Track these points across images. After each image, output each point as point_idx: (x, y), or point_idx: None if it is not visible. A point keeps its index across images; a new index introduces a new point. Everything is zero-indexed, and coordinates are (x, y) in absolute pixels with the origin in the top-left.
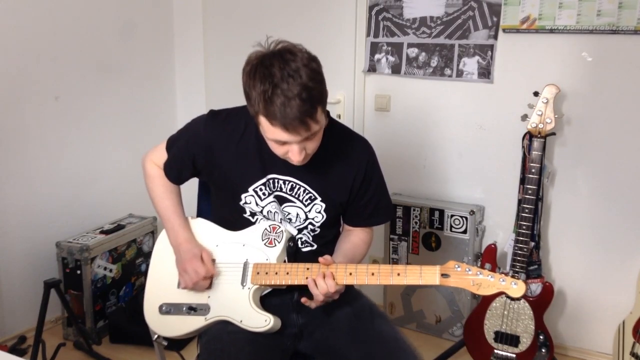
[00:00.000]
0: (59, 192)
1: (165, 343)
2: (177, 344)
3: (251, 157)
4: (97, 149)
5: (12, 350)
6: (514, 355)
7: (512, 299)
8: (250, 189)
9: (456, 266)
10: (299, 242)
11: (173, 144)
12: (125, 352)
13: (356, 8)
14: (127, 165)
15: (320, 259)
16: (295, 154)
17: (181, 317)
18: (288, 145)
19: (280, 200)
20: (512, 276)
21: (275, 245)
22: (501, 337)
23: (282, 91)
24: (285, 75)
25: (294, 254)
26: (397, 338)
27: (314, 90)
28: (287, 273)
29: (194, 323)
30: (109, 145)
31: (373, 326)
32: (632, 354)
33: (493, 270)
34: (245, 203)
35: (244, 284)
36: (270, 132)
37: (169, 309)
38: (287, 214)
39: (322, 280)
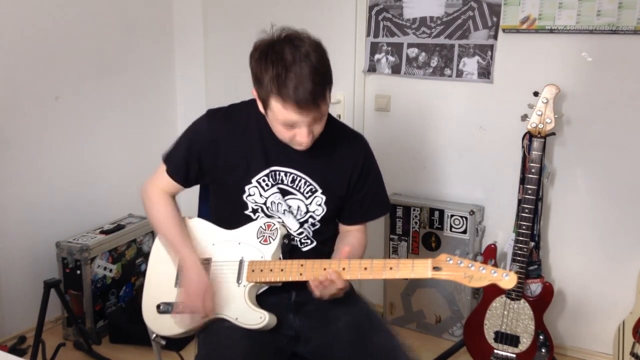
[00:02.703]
0: (59, 192)
1: (163, 342)
2: (176, 343)
3: (254, 149)
4: (97, 149)
5: (12, 350)
6: (514, 355)
7: (511, 298)
8: (254, 180)
9: (448, 259)
10: (300, 240)
11: (172, 153)
12: (125, 352)
13: (356, 8)
14: (127, 165)
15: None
16: (303, 136)
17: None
18: (297, 128)
19: (283, 193)
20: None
21: (270, 242)
22: (501, 337)
23: (295, 73)
24: (297, 59)
25: (289, 250)
26: (396, 354)
27: (324, 72)
28: (282, 270)
29: None
30: (109, 145)
31: (372, 340)
32: (632, 354)
33: (485, 262)
34: (249, 195)
35: (240, 282)
36: (282, 113)
37: (166, 308)
38: (288, 206)
39: (328, 282)
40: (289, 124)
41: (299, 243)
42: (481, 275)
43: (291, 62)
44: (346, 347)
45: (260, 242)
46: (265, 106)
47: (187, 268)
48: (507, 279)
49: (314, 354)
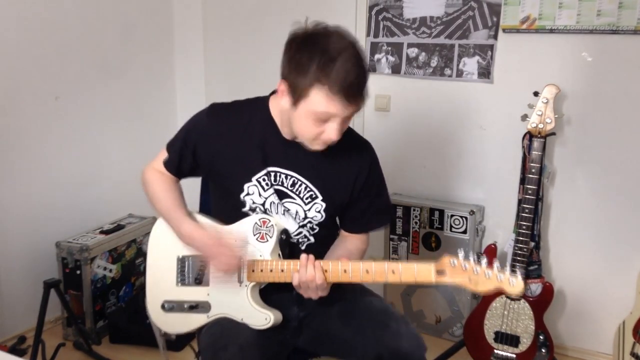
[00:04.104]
0: (59, 192)
1: (173, 337)
2: (186, 337)
3: (254, 148)
4: (97, 149)
5: (12, 350)
6: (514, 356)
7: (512, 298)
8: (254, 179)
9: (452, 262)
10: (298, 239)
11: (173, 142)
12: (125, 352)
13: (356, 8)
14: (127, 165)
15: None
16: (334, 132)
17: (184, 315)
18: (329, 122)
19: (280, 195)
20: (511, 272)
21: (267, 240)
22: (501, 337)
23: (344, 58)
24: (343, 46)
25: (287, 245)
26: (385, 308)
27: (366, 63)
28: (282, 270)
29: (197, 320)
30: (109, 145)
31: (362, 301)
32: (632, 354)
33: (490, 264)
34: (248, 194)
35: (241, 281)
36: (323, 104)
37: (171, 306)
38: (286, 209)
39: (312, 267)
40: (324, 117)
41: (297, 242)
42: (487, 280)
43: (339, 50)
44: (337, 316)
45: (257, 239)
46: (300, 98)
47: (190, 233)
48: (514, 285)
49: (313, 339)
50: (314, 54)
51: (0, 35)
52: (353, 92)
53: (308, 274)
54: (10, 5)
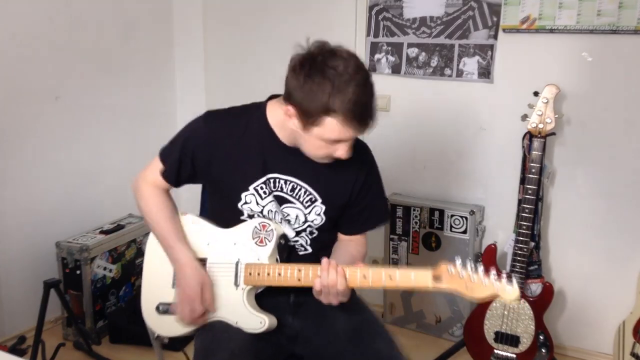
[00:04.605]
0: (59, 192)
1: (166, 340)
2: (180, 341)
3: (252, 156)
4: (97, 149)
5: (12, 350)
6: (514, 356)
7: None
8: (251, 188)
9: (449, 268)
10: (295, 246)
11: (169, 151)
12: (125, 352)
13: (356, 8)
14: (127, 165)
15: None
16: (345, 151)
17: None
18: (341, 143)
19: (280, 201)
20: (508, 279)
21: (266, 244)
22: (501, 337)
23: (355, 83)
24: (353, 70)
25: (286, 250)
26: (391, 342)
27: (373, 85)
28: (279, 274)
29: None
30: (109, 145)
31: (371, 344)
32: (632, 354)
33: (487, 270)
34: (245, 203)
35: (237, 285)
36: (337, 131)
37: (165, 309)
38: (286, 214)
39: (335, 272)
40: (338, 140)
41: (295, 246)
42: (483, 287)
43: (350, 75)
44: (344, 350)
45: (255, 243)
46: (312, 124)
47: (182, 265)
48: (510, 293)
49: (313, 354)
50: (325, 81)
51: (0, 35)
52: (365, 117)
53: (330, 279)
54: (10, 5)
